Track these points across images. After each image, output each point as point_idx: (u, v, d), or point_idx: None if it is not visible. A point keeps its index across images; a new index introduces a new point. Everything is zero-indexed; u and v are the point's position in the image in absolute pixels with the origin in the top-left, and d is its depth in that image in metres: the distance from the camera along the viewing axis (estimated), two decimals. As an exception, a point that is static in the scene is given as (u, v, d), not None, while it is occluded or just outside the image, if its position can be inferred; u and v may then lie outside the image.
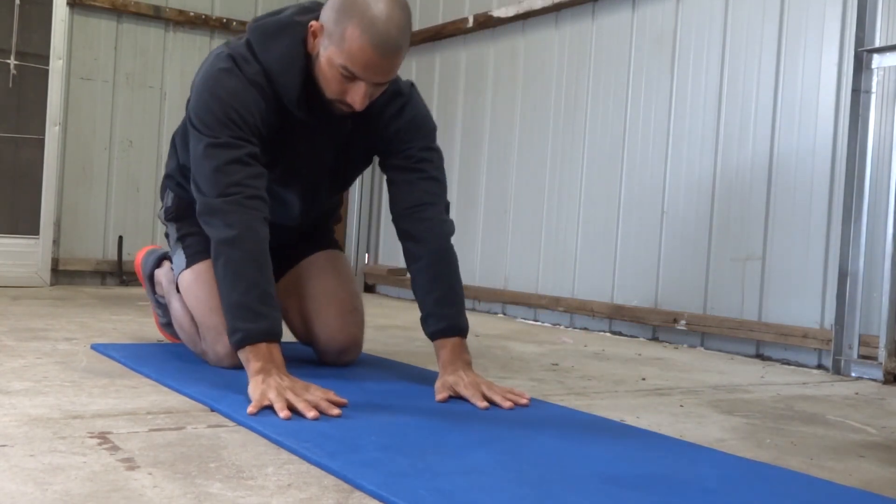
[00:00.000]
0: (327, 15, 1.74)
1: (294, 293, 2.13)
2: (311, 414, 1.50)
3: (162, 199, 2.23)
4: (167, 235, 2.20)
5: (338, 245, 2.28)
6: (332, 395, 1.60)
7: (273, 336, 1.66)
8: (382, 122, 1.93)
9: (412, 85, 2.00)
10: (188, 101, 1.90)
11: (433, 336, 1.86)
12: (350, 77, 1.72)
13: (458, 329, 1.85)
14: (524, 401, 1.73)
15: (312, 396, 1.56)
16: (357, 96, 1.73)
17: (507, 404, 1.70)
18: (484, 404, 1.69)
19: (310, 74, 1.80)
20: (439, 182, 1.97)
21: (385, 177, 2.01)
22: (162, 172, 4.33)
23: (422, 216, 1.92)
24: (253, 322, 1.65)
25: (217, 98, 1.78)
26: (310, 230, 2.20)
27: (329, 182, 2.06)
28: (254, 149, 1.78)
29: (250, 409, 1.52)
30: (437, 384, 1.79)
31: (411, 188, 1.94)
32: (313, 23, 1.77)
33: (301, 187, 2.01)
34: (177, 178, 2.12)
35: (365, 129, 1.93)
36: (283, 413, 1.50)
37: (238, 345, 1.66)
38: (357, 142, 1.97)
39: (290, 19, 1.84)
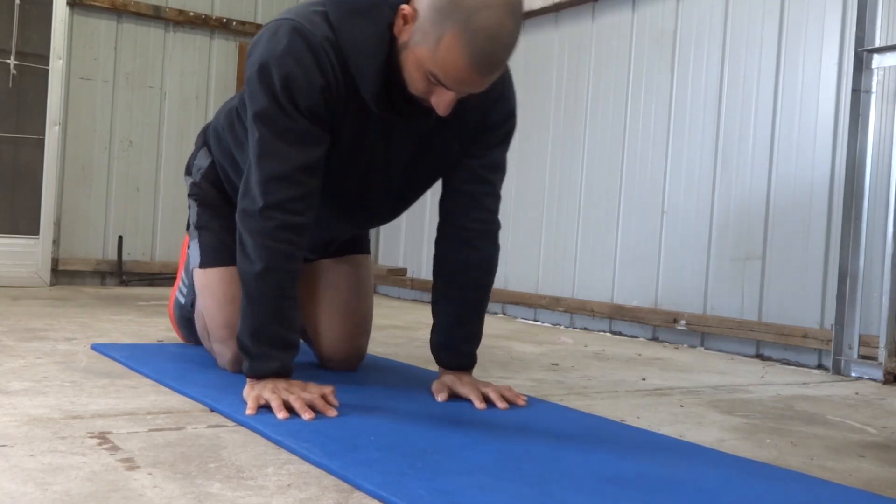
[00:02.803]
0: (425, 4, 1.48)
1: (310, 293, 2.05)
2: (307, 416, 1.50)
3: (194, 155, 2.05)
4: (190, 198, 2.05)
5: (368, 245, 2.16)
6: (329, 393, 1.60)
7: (283, 374, 1.61)
8: (480, 111, 1.70)
9: (508, 68, 1.73)
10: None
11: (445, 367, 1.82)
12: (437, 83, 1.50)
13: (471, 364, 1.83)
14: (521, 402, 1.73)
15: (309, 395, 1.56)
16: (442, 103, 1.52)
17: (504, 405, 1.70)
18: (482, 405, 1.69)
19: (394, 63, 1.56)
20: (499, 198, 1.81)
21: (442, 178, 1.81)
22: (162, 172, 4.39)
23: (476, 243, 1.77)
24: (263, 361, 1.60)
25: (275, 60, 1.55)
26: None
27: (395, 194, 1.81)
28: (309, 126, 1.57)
29: (248, 410, 1.52)
30: (435, 385, 1.79)
31: (475, 205, 1.76)
32: (405, 7, 1.52)
33: (363, 198, 1.77)
34: (221, 158, 1.95)
35: (457, 122, 1.68)
36: (281, 414, 1.49)
37: (247, 374, 1.62)
38: (441, 142, 1.72)
39: None
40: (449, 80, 1.48)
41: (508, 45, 1.47)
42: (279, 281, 1.59)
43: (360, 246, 2.11)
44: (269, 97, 1.56)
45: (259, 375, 1.60)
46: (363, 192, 1.76)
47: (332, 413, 1.53)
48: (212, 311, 1.93)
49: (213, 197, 1.99)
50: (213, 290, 1.93)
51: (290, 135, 1.57)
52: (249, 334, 1.60)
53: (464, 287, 1.79)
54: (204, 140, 2.04)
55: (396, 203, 1.84)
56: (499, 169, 1.80)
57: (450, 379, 1.78)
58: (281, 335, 1.61)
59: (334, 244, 2.05)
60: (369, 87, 1.57)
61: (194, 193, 2.03)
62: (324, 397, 1.57)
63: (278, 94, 1.55)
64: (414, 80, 1.53)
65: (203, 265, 1.96)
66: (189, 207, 2.07)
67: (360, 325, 2.07)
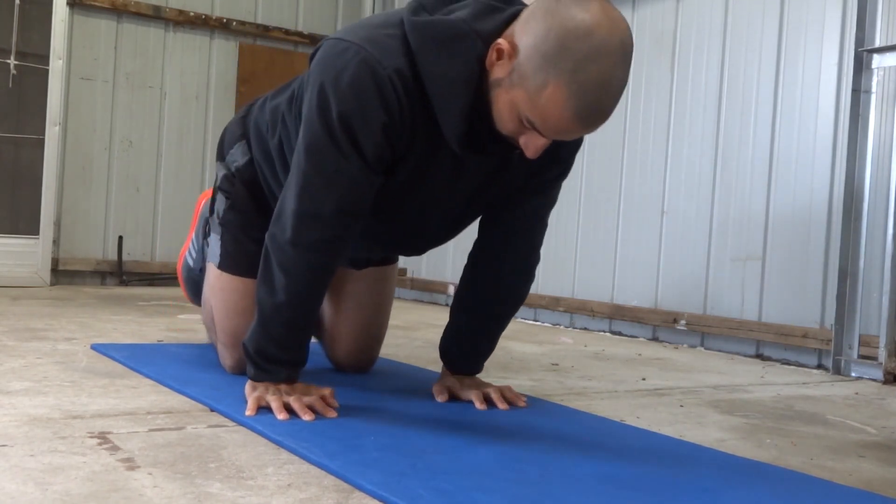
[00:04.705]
0: (527, 44, 1.34)
1: (333, 301, 2.02)
2: (307, 417, 1.49)
3: (230, 143, 1.91)
4: (215, 191, 1.94)
5: (397, 256, 2.09)
6: (329, 395, 1.59)
7: (288, 381, 1.59)
8: (555, 143, 1.48)
9: None
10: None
11: (450, 370, 1.80)
12: (532, 129, 1.38)
13: (477, 372, 1.82)
14: (521, 402, 1.73)
15: (309, 398, 1.56)
16: (532, 147, 1.40)
17: (504, 406, 1.70)
18: (483, 405, 1.69)
19: (481, 99, 1.42)
20: (545, 230, 1.74)
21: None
22: (162, 172, 4.39)
23: (512, 280, 1.73)
24: (266, 374, 1.58)
25: (335, 92, 1.43)
26: None
27: (450, 224, 1.70)
28: (362, 166, 1.46)
29: (248, 410, 1.52)
30: (436, 386, 1.79)
31: (520, 240, 1.70)
32: (502, 42, 1.37)
33: (417, 226, 1.67)
34: (260, 158, 1.83)
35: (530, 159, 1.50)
36: (281, 415, 1.49)
37: (252, 379, 1.60)
38: (510, 175, 1.61)
39: (468, 27, 1.41)
40: (548, 131, 1.36)
41: (617, 96, 1.34)
42: (296, 316, 1.56)
43: (391, 256, 2.07)
44: (324, 130, 1.45)
45: (262, 381, 1.59)
46: (419, 221, 1.66)
47: (332, 414, 1.53)
48: (220, 317, 1.90)
49: (246, 201, 1.87)
50: (225, 297, 1.89)
51: (338, 176, 1.46)
52: (255, 351, 1.58)
53: (488, 312, 1.77)
54: (243, 132, 1.89)
55: (448, 232, 1.74)
56: (552, 202, 1.73)
57: (451, 381, 1.78)
58: (288, 357, 1.59)
59: (373, 261, 2.00)
60: (453, 130, 1.43)
61: (226, 189, 1.89)
62: (323, 399, 1.57)
63: (335, 128, 1.44)
64: (504, 121, 1.40)
65: (220, 266, 1.89)
66: (216, 192, 1.94)
67: (377, 336, 2.07)
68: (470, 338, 1.78)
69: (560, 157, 1.64)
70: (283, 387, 1.57)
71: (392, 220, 1.63)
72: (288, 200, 1.51)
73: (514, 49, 1.36)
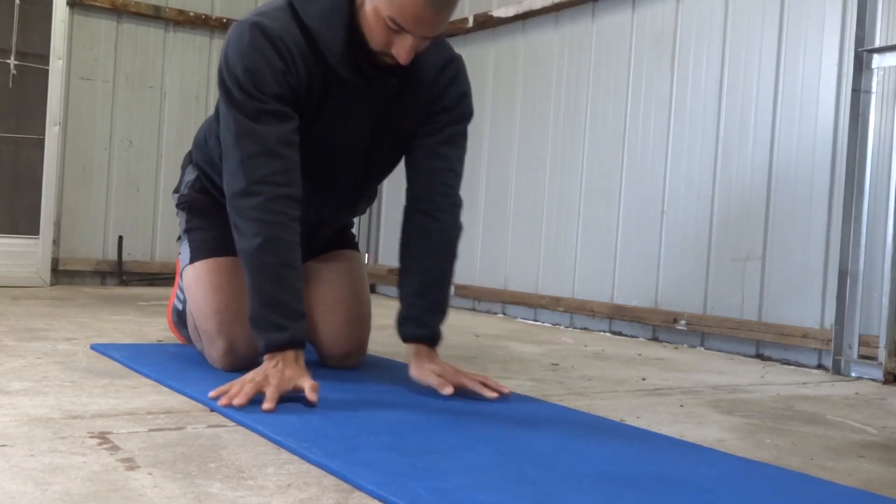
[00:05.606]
0: None
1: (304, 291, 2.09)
2: (267, 406, 1.52)
3: (181, 173, 2.17)
4: (178, 208, 2.15)
5: (355, 243, 2.24)
6: (309, 389, 1.59)
7: (296, 345, 1.65)
8: (435, 88, 1.85)
9: (461, 58, 1.93)
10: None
11: (409, 339, 1.84)
12: (397, 29, 1.63)
13: (437, 338, 1.85)
14: (505, 390, 1.77)
15: (287, 385, 1.59)
16: (403, 49, 1.65)
17: (493, 395, 1.74)
18: (492, 394, 1.73)
19: (354, 27, 1.70)
20: (459, 176, 1.91)
21: (404, 160, 1.93)
22: (162, 172, 4.39)
23: (437, 215, 1.86)
24: (275, 332, 1.64)
25: (239, 55, 1.69)
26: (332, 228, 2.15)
27: (359, 169, 1.93)
28: (279, 106, 1.70)
29: (237, 400, 1.55)
30: (435, 381, 1.77)
31: (433, 179, 1.87)
32: None
33: (329, 172, 1.90)
34: (204, 165, 2.05)
35: (412, 97, 1.84)
36: (237, 400, 1.54)
37: (265, 350, 1.66)
38: (397, 116, 1.85)
39: None
40: (406, 20, 1.61)
41: None
42: (279, 251, 1.66)
43: (344, 242, 2.18)
44: (238, 88, 1.69)
45: (276, 349, 1.64)
46: (329, 165, 1.87)
47: (313, 397, 1.56)
48: (200, 303, 1.94)
49: (201, 201, 2.06)
50: (202, 282, 1.95)
51: (264, 116, 1.69)
52: (262, 305, 1.65)
53: (425, 258, 1.86)
54: (189, 158, 2.13)
55: (361, 181, 1.97)
56: (454, 145, 1.90)
57: (449, 371, 1.78)
58: (290, 304, 1.66)
59: (315, 240, 2.08)
60: (336, 55, 1.71)
61: (182, 203, 2.10)
62: (303, 391, 1.59)
63: (245, 84, 1.68)
64: (374, 34, 1.66)
65: (193, 260, 1.99)
66: (178, 217, 2.13)
67: (357, 315, 2.08)
68: (418, 297, 1.84)
69: (448, 106, 1.87)
70: (280, 363, 1.61)
71: (304, 167, 1.77)
72: (230, 157, 1.70)
73: None
